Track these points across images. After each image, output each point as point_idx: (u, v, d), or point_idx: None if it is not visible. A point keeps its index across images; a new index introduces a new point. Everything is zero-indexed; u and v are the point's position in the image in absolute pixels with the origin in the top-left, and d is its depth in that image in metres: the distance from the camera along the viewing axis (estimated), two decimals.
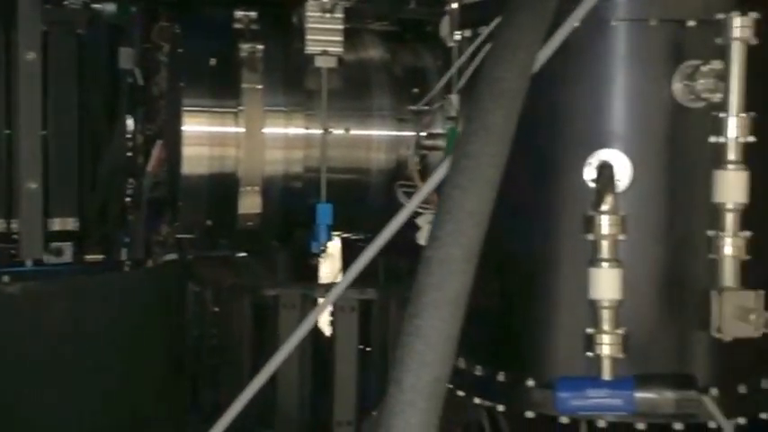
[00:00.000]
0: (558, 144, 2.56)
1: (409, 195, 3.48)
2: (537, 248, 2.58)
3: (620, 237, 2.43)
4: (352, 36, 3.75)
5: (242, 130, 3.59)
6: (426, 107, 3.79)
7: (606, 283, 2.41)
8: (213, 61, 3.63)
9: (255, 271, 3.91)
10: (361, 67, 3.79)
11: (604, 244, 2.42)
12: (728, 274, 2.37)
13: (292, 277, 4.13)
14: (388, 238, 2.57)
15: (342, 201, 3.69)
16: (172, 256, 4.27)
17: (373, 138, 3.77)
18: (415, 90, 3.85)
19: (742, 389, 2.51)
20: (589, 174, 2.48)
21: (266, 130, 3.62)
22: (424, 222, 3.43)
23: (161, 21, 4.19)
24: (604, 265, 2.42)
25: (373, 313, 3.41)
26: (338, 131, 3.71)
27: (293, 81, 3.67)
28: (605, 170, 2.48)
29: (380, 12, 3.93)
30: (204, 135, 3.59)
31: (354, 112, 3.77)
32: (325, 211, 3.66)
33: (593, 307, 2.43)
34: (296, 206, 3.71)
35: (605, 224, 2.42)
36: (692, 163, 2.48)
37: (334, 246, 4.37)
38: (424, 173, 3.74)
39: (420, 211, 3.46)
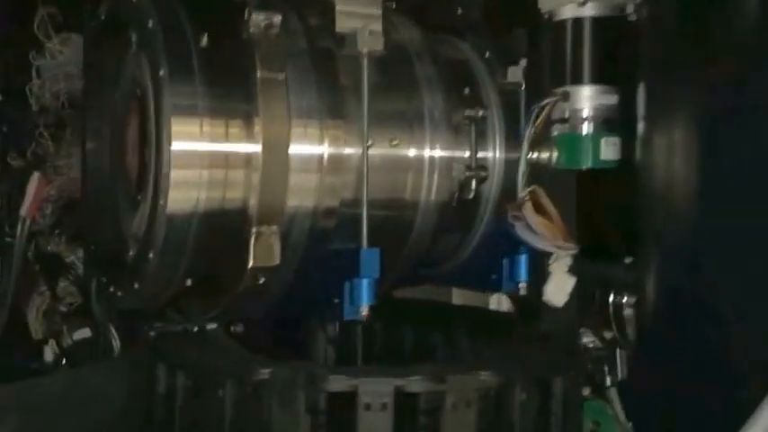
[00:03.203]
0: None
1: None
2: None
3: None
4: None
5: (258, 146, 2.36)
6: (480, 111, 2.69)
7: None
8: (205, 41, 2.38)
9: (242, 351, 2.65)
10: (401, 55, 2.63)
11: None
12: None
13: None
14: None
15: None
16: (84, 333, 2.96)
17: (425, 154, 2.62)
18: (467, 90, 2.75)
19: None
20: None
21: (294, 146, 2.40)
22: (558, 270, 2.34)
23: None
24: None
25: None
26: (381, 146, 2.54)
27: (323, 72, 2.47)
28: None
29: None
30: (200, 153, 2.32)
31: (401, 118, 2.61)
32: (371, 260, 2.48)
33: None
34: (322, 254, 2.51)
35: None
36: None
37: None
38: (473, 201, 2.66)
39: (550, 250, 2.38)
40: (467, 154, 2.64)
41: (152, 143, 2.31)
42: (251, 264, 2.33)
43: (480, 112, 2.64)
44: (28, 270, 3.25)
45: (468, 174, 2.62)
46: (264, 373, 2.14)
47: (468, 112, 2.63)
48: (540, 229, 2.28)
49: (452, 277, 2.85)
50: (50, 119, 3.21)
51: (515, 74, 2.65)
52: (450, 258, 2.80)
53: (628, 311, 2.53)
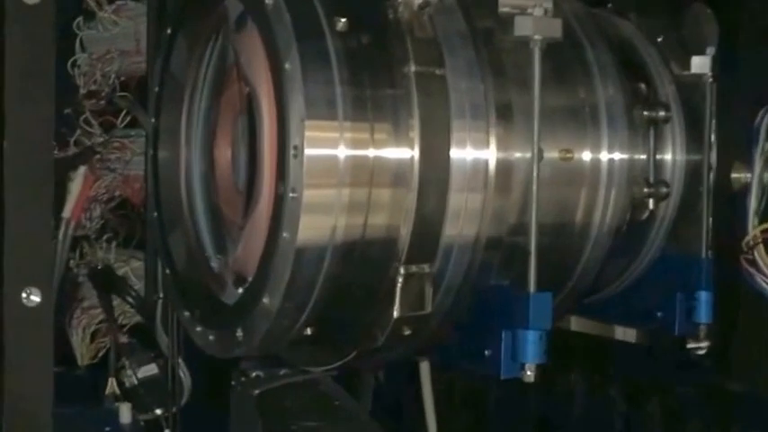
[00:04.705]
0: None
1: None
2: None
3: None
4: None
5: (412, 158, 1.79)
6: (662, 111, 2.14)
7: None
8: (342, 24, 1.79)
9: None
10: (570, 36, 2.05)
11: None
12: None
13: None
14: None
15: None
16: (150, 370, 2.41)
17: (602, 166, 2.05)
18: (642, 84, 2.18)
19: None
20: None
21: (455, 158, 1.84)
22: None
23: None
24: None
25: None
26: (551, 155, 1.97)
27: (488, 61, 1.89)
28: None
29: None
30: (340, 168, 1.74)
31: (573, 120, 2.04)
32: (542, 307, 1.92)
33: None
34: (477, 296, 1.96)
35: None
36: None
37: None
38: (644, 223, 2.11)
39: None
40: (643, 165, 2.07)
41: (270, 154, 1.73)
42: (397, 314, 1.76)
43: (662, 113, 2.07)
44: (71, 281, 2.69)
45: (646, 190, 2.06)
46: None
47: (648, 113, 2.06)
48: None
49: (601, 311, 2.30)
50: (99, 103, 2.61)
51: (702, 64, 2.09)
52: (603, 289, 2.24)
53: None
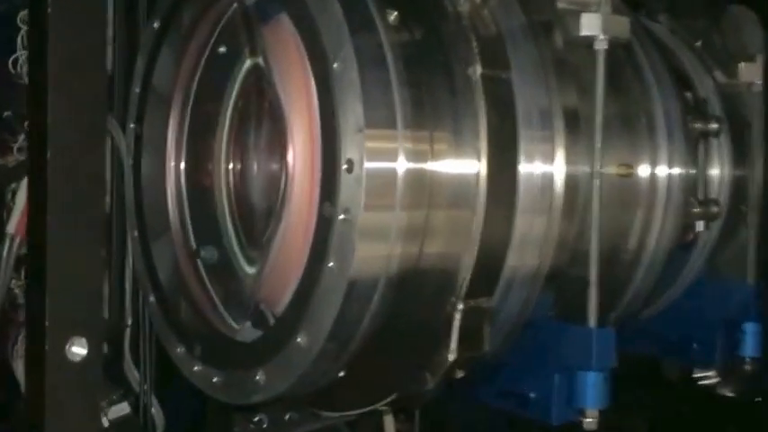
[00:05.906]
0: None
1: None
2: None
3: None
4: None
5: (477, 176, 1.53)
6: (714, 124, 1.94)
7: None
8: (395, 17, 1.52)
9: None
10: (626, 45, 1.82)
11: None
12: None
13: None
14: None
15: None
16: (122, 410, 2.11)
17: (660, 184, 1.83)
18: (688, 93, 1.98)
19: None
20: None
21: (523, 169, 1.59)
22: None
23: None
24: None
25: None
26: (609, 170, 1.74)
27: (553, 65, 1.65)
28: None
29: None
30: (398, 187, 1.47)
31: (630, 131, 1.81)
32: (605, 344, 1.69)
33: None
34: (527, 332, 1.72)
35: None
36: None
37: None
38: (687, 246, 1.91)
39: None
40: (694, 183, 1.87)
41: (304, 167, 1.46)
42: (453, 356, 1.51)
43: (714, 125, 1.87)
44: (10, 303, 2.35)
45: (697, 210, 1.86)
46: None
47: (700, 125, 1.85)
48: None
49: (628, 340, 2.07)
50: None
51: (751, 72, 1.90)
52: (632, 317, 2.02)
53: None
